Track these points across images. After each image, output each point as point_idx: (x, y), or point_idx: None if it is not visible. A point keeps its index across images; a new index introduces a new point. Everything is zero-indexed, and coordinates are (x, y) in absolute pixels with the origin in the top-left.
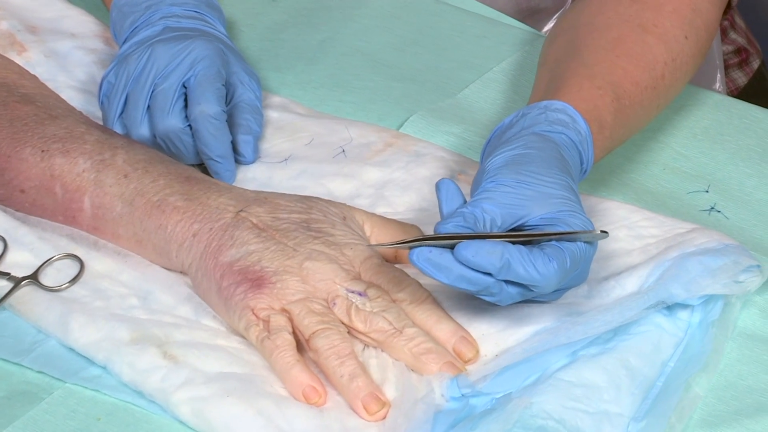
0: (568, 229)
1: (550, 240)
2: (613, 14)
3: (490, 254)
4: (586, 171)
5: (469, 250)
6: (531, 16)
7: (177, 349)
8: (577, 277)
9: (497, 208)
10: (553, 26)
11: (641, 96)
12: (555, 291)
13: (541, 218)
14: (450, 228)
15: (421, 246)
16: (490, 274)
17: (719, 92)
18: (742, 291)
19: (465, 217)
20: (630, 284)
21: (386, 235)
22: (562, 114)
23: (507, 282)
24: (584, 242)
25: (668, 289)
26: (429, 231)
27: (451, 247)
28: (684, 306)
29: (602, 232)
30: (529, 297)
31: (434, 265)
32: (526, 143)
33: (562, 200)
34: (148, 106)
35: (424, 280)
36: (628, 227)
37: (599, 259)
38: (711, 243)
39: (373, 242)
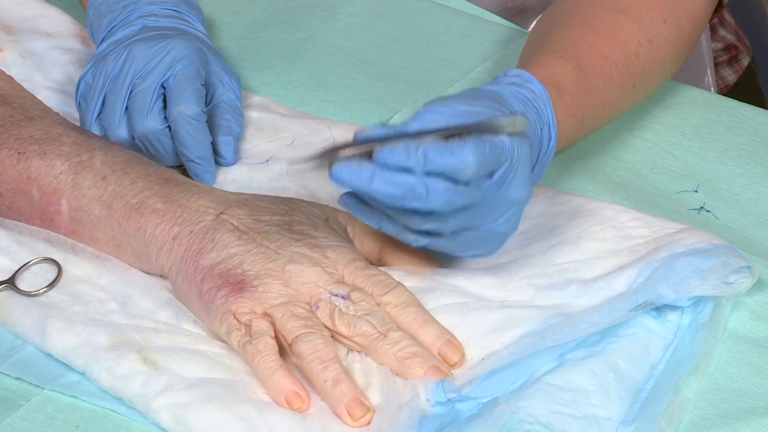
0: (485, 123)
1: (469, 134)
2: (587, 2)
3: (405, 149)
4: (551, 133)
5: (384, 150)
6: (517, 15)
7: (157, 355)
8: (514, 180)
9: (420, 124)
10: (538, 19)
11: (611, 69)
12: (506, 215)
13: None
14: (368, 132)
15: (340, 155)
16: (410, 172)
17: (708, 90)
18: (732, 292)
19: (385, 125)
20: (618, 285)
21: (369, 237)
22: (516, 78)
23: (430, 178)
24: (507, 134)
25: (656, 289)
26: None
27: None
28: (673, 308)
29: (522, 115)
30: (461, 200)
31: (355, 175)
32: (466, 92)
33: (489, 115)
34: (127, 107)
35: (408, 283)
36: (616, 228)
37: (587, 260)
38: (700, 243)
39: (356, 245)
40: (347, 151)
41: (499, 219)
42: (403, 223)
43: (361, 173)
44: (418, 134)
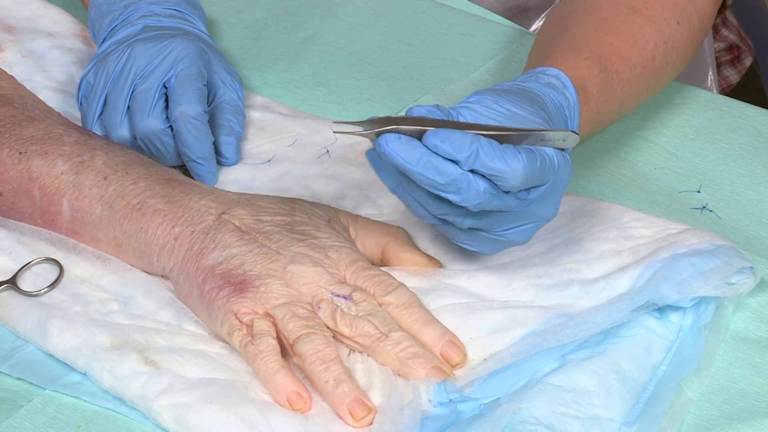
0: (539, 132)
1: (521, 143)
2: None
3: (459, 141)
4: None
5: (438, 135)
6: (519, 15)
7: (158, 355)
8: (547, 199)
9: (474, 115)
10: (547, 12)
11: (630, 73)
12: (524, 227)
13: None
14: (423, 111)
15: (390, 131)
16: (457, 164)
17: (710, 90)
18: (734, 293)
19: (440, 109)
20: (620, 285)
21: (372, 237)
22: (554, 79)
23: (475, 175)
24: (556, 148)
25: (658, 290)
26: (416, 232)
27: (420, 139)
28: (675, 308)
29: (574, 132)
30: (495, 204)
31: (402, 150)
32: (511, 87)
33: (537, 123)
34: (128, 107)
35: (410, 284)
36: (618, 228)
37: (589, 260)
38: (703, 244)
39: (358, 245)
40: (399, 125)
41: (517, 229)
42: (421, 201)
43: (411, 151)
44: (471, 126)
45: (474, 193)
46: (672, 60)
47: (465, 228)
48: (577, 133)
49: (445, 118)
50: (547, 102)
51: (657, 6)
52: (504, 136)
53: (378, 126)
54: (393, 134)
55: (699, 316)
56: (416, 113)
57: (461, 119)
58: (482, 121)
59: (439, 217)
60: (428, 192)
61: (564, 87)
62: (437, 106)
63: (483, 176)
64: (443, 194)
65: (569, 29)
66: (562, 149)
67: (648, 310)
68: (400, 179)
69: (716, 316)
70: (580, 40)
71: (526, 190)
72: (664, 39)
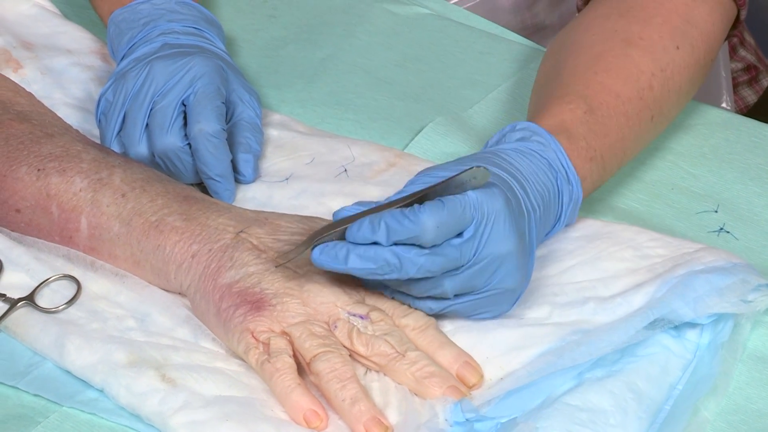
0: (445, 183)
1: (431, 198)
2: (599, 30)
3: (371, 222)
4: (569, 178)
5: (354, 226)
6: (536, 33)
7: (175, 372)
8: (493, 235)
9: (396, 194)
10: (550, 44)
11: (624, 107)
12: (499, 272)
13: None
14: (344, 212)
15: (318, 242)
16: (380, 245)
17: (728, 110)
18: (750, 310)
19: (362, 203)
20: (636, 301)
21: None
22: (524, 131)
23: (400, 246)
24: (475, 188)
25: (674, 306)
26: None
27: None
28: (692, 326)
29: (478, 167)
30: (440, 263)
31: (332, 257)
32: (463, 157)
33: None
34: (147, 125)
35: None
36: (634, 248)
37: (605, 278)
38: (719, 262)
39: None
40: (326, 235)
41: (497, 275)
42: (406, 291)
43: (337, 254)
44: (388, 205)
45: (408, 263)
46: (675, 86)
47: (453, 296)
48: (482, 167)
49: (362, 210)
50: (508, 153)
51: (654, 35)
52: (410, 203)
53: (308, 243)
54: (319, 245)
55: (716, 335)
56: (336, 215)
57: (382, 200)
58: (399, 196)
59: (431, 297)
60: (388, 282)
61: (534, 134)
62: (359, 203)
63: (407, 245)
64: (387, 278)
65: (560, 73)
66: (480, 186)
67: (664, 328)
68: (381, 286)
69: (733, 335)
70: (567, 85)
71: (456, 237)
72: (661, 67)
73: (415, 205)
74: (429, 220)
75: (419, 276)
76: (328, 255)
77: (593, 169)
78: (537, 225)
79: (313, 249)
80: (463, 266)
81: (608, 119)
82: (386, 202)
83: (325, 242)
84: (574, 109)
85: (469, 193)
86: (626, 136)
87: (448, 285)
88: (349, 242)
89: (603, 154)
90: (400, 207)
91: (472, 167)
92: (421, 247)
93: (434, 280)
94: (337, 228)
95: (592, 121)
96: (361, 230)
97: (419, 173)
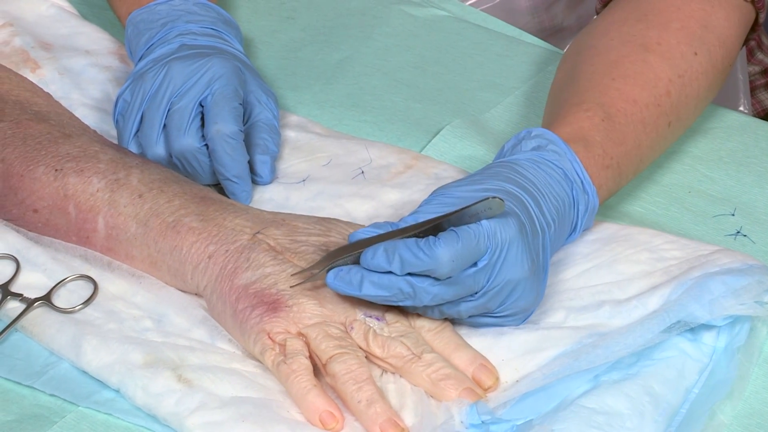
0: (460, 212)
1: (445, 227)
2: (616, 35)
3: (386, 252)
4: (585, 188)
5: (368, 252)
6: (554, 35)
7: (191, 373)
8: (507, 262)
9: (413, 218)
10: (567, 48)
11: (642, 113)
12: (515, 296)
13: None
14: (359, 234)
15: (333, 265)
16: (394, 273)
17: (745, 113)
18: (766, 313)
19: (377, 225)
20: (652, 303)
21: None
22: (539, 139)
23: (414, 277)
24: (486, 218)
25: (689, 309)
26: None
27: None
28: (708, 329)
29: (493, 198)
30: (454, 292)
31: (346, 282)
32: (480, 170)
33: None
34: (164, 125)
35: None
36: (650, 250)
37: (620, 281)
38: (734, 263)
39: None
40: (341, 258)
41: (510, 298)
42: (422, 314)
43: (351, 280)
44: (402, 231)
45: (422, 292)
46: (693, 92)
47: (468, 317)
48: (496, 197)
49: (378, 233)
50: (522, 166)
51: (671, 40)
52: (425, 232)
53: (324, 264)
54: (334, 269)
55: (732, 339)
56: (352, 237)
57: (400, 223)
58: (416, 221)
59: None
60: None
61: (550, 143)
62: (374, 224)
63: (421, 276)
64: (401, 304)
65: (577, 79)
66: (495, 216)
67: (680, 331)
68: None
69: (750, 339)
70: (584, 91)
71: (470, 266)
72: (679, 73)
73: (430, 238)
74: (444, 254)
75: (433, 304)
76: (342, 280)
77: (609, 177)
78: (552, 240)
79: (328, 272)
80: (477, 293)
81: (625, 126)
82: (401, 227)
83: (339, 266)
84: (591, 116)
85: (483, 222)
86: (643, 143)
87: (463, 309)
88: (364, 268)
89: (619, 161)
90: (414, 235)
91: (488, 198)
92: (434, 278)
93: (449, 305)
94: (353, 252)
95: (609, 128)
96: (375, 258)
97: (435, 192)
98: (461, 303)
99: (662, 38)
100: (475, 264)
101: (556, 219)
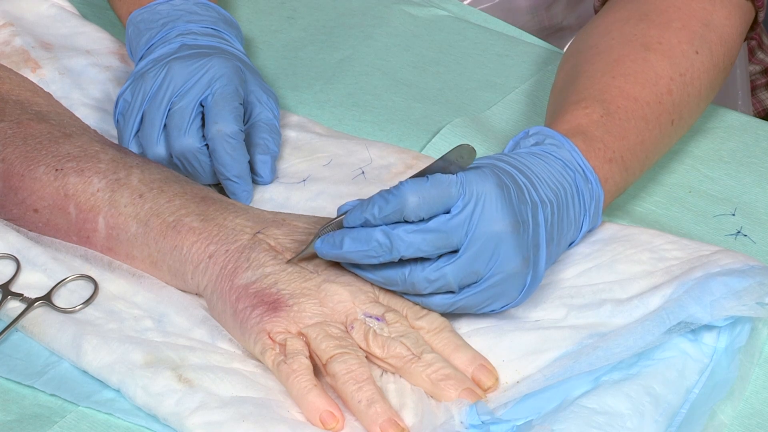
0: (433, 164)
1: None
2: (617, 35)
3: (362, 204)
4: (587, 176)
5: (349, 213)
6: (554, 34)
7: (192, 373)
8: (485, 215)
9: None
10: (567, 47)
11: (643, 111)
12: (497, 256)
13: None
14: (346, 206)
15: (321, 235)
16: (372, 226)
17: (746, 113)
18: (767, 314)
19: (362, 199)
20: (653, 303)
21: None
22: (537, 135)
23: (389, 226)
24: (463, 167)
25: (689, 309)
26: None
27: None
28: (709, 330)
29: (462, 145)
30: (426, 243)
31: (330, 244)
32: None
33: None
34: (165, 125)
35: None
36: (651, 250)
37: (622, 281)
38: (736, 264)
39: None
40: (329, 225)
41: (495, 258)
42: (411, 290)
43: (334, 240)
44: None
45: (398, 240)
46: (694, 91)
47: (458, 287)
48: (467, 145)
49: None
50: (515, 154)
51: (672, 39)
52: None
53: (317, 237)
54: (320, 237)
55: (733, 340)
56: (341, 210)
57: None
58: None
59: (436, 292)
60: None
61: (548, 137)
62: (360, 200)
63: (397, 223)
64: (382, 260)
65: (578, 78)
66: (467, 166)
67: (681, 332)
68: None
69: (750, 339)
70: (584, 89)
71: (443, 213)
72: (680, 72)
73: (400, 182)
74: (411, 192)
75: (410, 254)
76: (326, 243)
77: (614, 171)
78: (552, 218)
79: (315, 242)
80: (459, 250)
81: (626, 122)
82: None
83: (325, 233)
84: (590, 113)
85: (460, 172)
86: (646, 140)
87: (450, 273)
88: (345, 227)
89: (623, 156)
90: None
91: (458, 146)
92: (407, 223)
93: (434, 268)
94: (338, 218)
95: (609, 123)
96: (353, 213)
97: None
98: (446, 266)
99: (663, 37)
100: (448, 212)
101: (554, 201)
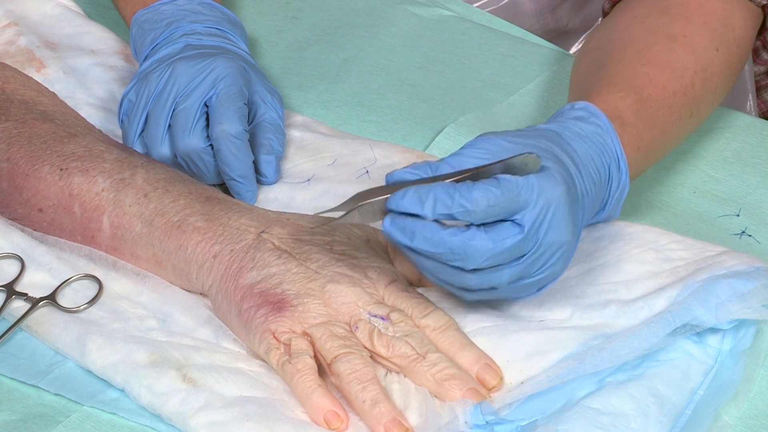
0: (497, 164)
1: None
2: (640, 28)
3: (417, 192)
4: (620, 166)
5: (398, 194)
6: (559, 37)
7: (196, 373)
8: (551, 223)
9: (458, 160)
10: (582, 44)
11: (670, 100)
12: (548, 263)
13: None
14: (396, 175)
15: (361, 206)
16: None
17: (750, 114)
18: None
19: (416, 166)
20: (658, 305)
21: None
22: (582, 111)
23: (465, 236)
24: (525, 174)
25: (694, 311)
26: None
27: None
28: (714, 332)
29: (529, 154)
30: (499, 258)
31: (401, 230)
32: (522, 129)
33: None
34: (169, 125)
35: (446, 305)
36: (656, 250)
37: (627, 281)
38: (741, 266)
39: (396, 265)
40: (371, 200)
41: (549, 262)
42: (462, 286)
43: (405, 228)
44: (439, 178)
45: (475, 252)
46: (712, 87)
47: (507, 285)
48: (534, 154)
49: (417, 178)
50: (564, 134)
51: (695, 34)
52: (461, 179)
53: (352, 204)
54: (390, 219)
55: (738, 342)
56: (390, 179)
57: (439, 167)
58: (466, 166)
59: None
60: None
61: (593, 115)
62: (414, 165)
63: (477, 228)
64: (451, 265)
65: (606, 65)
66: (532, 172)
67: (686, 334)
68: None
69: (755, 341)
70: (615, 74)
71: (517, 227)
72: (702, 66)
73: (468, 182)
74: (480, 197)
75: (485, 266)
76: (397, 227)
77: (638, 159)
78: (587, 210)
79: (385, 220)
80: (524, 256)
81: (656, 111)
82: (440, 172)
83: (366, 207)
84: (624, 97)
85: (531, 176)
86: (669, 130)
87: (506, 275)
88: (389, 207)
89: (648, 145)
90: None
91: (524, 153)
92: (476, 226)
93: (494, 271)
94: (384, 195)
95: (642, 110)
96: (407, 199)
97: (481, 136)
98: (504, 268)
99: (687, 31)
100: (518, 223)
101: (592, 190)
